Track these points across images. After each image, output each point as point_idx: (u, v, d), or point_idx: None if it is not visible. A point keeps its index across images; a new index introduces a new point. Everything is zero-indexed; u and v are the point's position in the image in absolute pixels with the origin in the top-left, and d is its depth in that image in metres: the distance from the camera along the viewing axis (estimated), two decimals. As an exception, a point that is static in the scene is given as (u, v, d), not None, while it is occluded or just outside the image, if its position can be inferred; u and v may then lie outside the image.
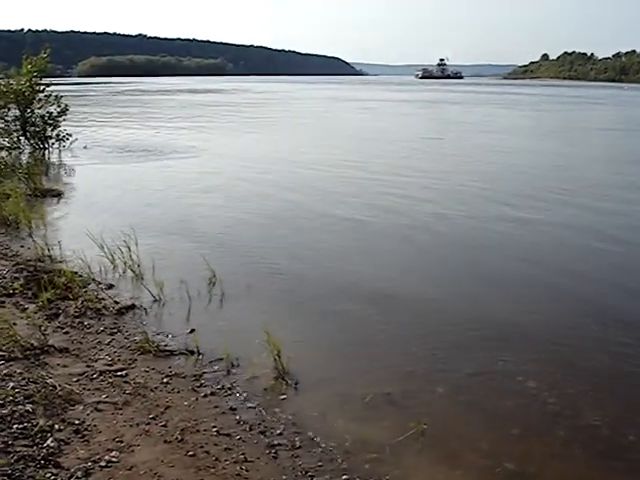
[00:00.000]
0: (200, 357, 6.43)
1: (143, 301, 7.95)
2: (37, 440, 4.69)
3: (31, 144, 23.13)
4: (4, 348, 6.21)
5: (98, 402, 5.41)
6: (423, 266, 9.88)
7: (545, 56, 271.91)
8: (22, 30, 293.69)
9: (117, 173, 18.61)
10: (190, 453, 4.72)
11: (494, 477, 4.68)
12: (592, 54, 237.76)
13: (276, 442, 4.95)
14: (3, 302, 7.60)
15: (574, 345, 6.95)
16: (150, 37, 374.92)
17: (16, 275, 8.49)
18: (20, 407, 5.10)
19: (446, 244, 10.93)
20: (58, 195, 14.76)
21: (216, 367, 6.22)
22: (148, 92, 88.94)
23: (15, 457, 4.43)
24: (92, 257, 9.03)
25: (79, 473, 4.35)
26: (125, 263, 9.04)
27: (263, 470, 4.59)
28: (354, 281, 8.89)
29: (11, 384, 5.49)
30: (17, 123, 22.94)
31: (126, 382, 5.83)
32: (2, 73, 25.40)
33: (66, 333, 6.87)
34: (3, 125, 21.94)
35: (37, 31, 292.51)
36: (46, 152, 22.92)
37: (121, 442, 4.81)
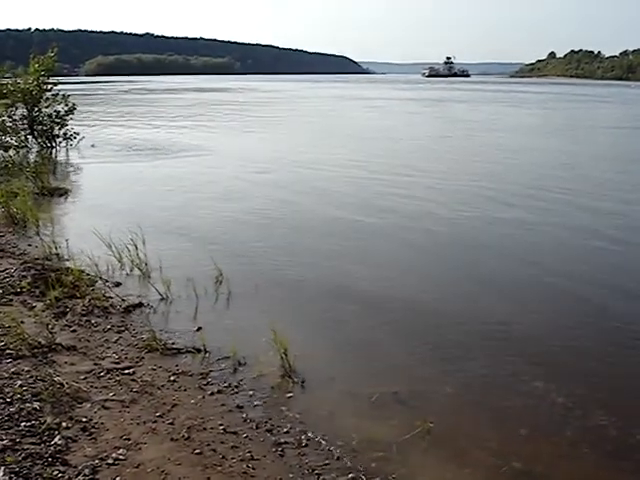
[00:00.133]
0: (207, 355, 6.44)
1: (150, 299, 7.97)
2: (45, 438, 4.71)
3: (39, 143, 23.21)
4: (12, 346, 6.23)
5: (105, 400, 5.42)
6: (428, 267, 9.86)
7: (552, 54, 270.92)
8: (29, 29, 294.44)
9: (125, 172, 18.65)
10: (197, 451, 4.73)
11: (501, 476, 4.67)
12: (599, 52, 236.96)
13: (283, 440, 4.95)
14: (11, 300, 7.63)
15: (581, 345, 6.94)
16: (157, 36, 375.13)
17: (24, 273, 8.52)
18: (28, 405, 5.12)
19: (450, 245, 10.91)
20: (65, 194, 14.80)
21: (223, 365, 6.23)
22: (155, 91, 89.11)
23: (23, 455, 4.45)
24: (99, 255, 9.05)
25: (86, 471, 4.36)
26: (132, 261, 9.06)
27: (270, 468, 4.59)
28: (360, 281, 8.89)
29: (19, 382, 5.51)
30: (25, 122, 23.01)
31: (133, 380, 5.84)
32: (10, 72, 25.47)
33: (73, 331, 6.89)
34: (11, 124, 21.99)
35: (44, 30, 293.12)
36: (53, 151, 22.98)
37: (128, 440, 4.82)
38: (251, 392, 5.71)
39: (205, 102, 61.56)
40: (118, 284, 8.52)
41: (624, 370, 6.44)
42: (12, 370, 5.77)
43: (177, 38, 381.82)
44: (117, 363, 6.18)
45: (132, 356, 6.36)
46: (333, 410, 5.47)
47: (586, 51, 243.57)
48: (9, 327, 6.57)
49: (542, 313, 7.90)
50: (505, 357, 6.57)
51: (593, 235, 11.36)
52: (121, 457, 4.58)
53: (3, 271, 8.65)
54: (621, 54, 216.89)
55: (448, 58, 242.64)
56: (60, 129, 23.45)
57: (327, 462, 4.69)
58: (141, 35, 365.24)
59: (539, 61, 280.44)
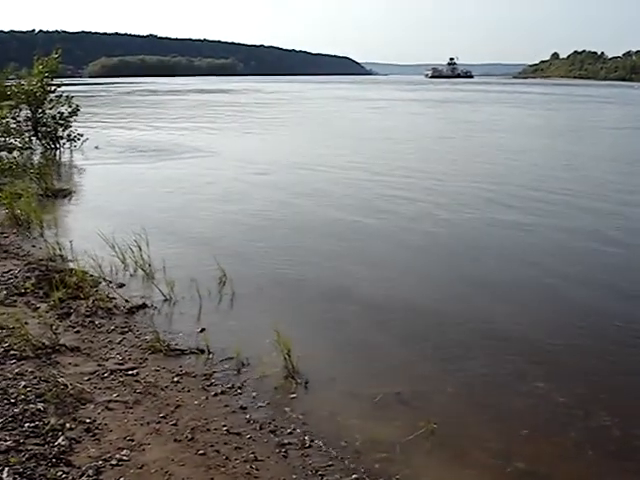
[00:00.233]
0: (210, 356, 6.44)
1: (154, 300, 7.98)
2: (48, 439, 4.72)
3: (42, 144, 23.25)
4: (16, 347, 6.25)
5: (109, 401, 5.43)
6: (428, 268, 9.85)
7: (555, 55, 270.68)
8: (33, 31, 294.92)
9: (128, 173, 18.69)
10: (200, 452, 4.74)
11: (505, 477, 4.68)
12: (602, 53, 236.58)
13: (286, 441, 4.96)
14: (15, 301, 7.65)
15: (582, 345, 6.94)
16: (161, 37, 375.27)
17: (28, 274, 8.53)
18: (32, 406, 5.13)
19: (450, 245, 10.91)
20: (69, 195, 14.84)
21: (226, 366, 6.24)
22: (158, 92, 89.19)
23: (27, 455, 4.46)
24: (103, 256, 9.07)
25: (90, 471, 4.37)
26: (136, 262, 9.07)
27: (273, 469, 4.59)
28: (362, 282, 8.90)
29: (23, 383, 5.53)
30: (29, 123, 23.06)
31: (137, 381, 5.85)
32: (14, 74, 25.53)
33: (77, 332, 6.90)
34: (15, 125, 22.03)
35: (48, 32, 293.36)
36: (57, 152, 23.04)
37: (132, 441, 4.83)
38: (254, 393, 5.72)
39: (208, 103, 61.59)
40: (122, 285, 8.54)
41: (626, 370, 6.44)
42: (16, 371, 5.78)
43: (181, 40, 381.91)
44: (121, 364, 6.19)
45: (136, 357, 6.37)
46: (336, 411, 5.47)
47: (589, 52, 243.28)
48: (13, 328, 6.58)
49: (543, 313, 7.90)
50: (507, 357, 6.58)
51: (594, 236, 11.35)
52: (125, 458, 4.58)
53: (7, 272, 8.67)
54: (624, 55, 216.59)
55: (451, 59, 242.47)
56: (64, 130, 23.49)
57: (330, 463, 4.70)
58: (145, 37, 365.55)
59: (542, 62, 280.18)
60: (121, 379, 5.86)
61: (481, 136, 30.00)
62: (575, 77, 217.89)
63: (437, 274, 9.49)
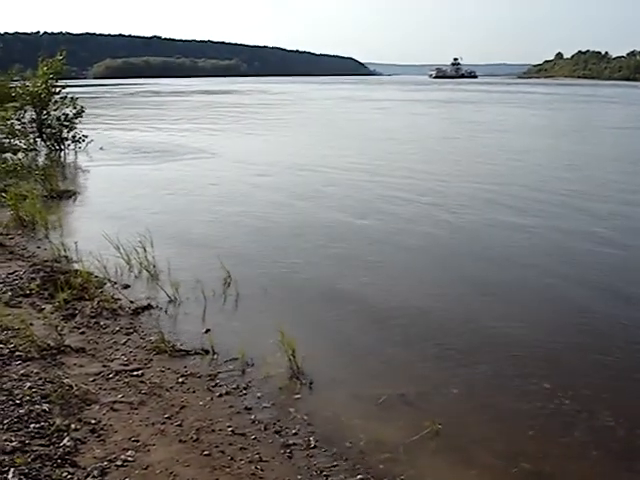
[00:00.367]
0: (215, 357, 6.45)
1: (159, 301, 7.99)
2: (54, 439, 4.73)
3: (47, 146, 23.33)
4: (21, 348, 6.26)
5: (114, 402, 5.44)
6: (432, 269, 9.81)
7: (559, 55, 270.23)
8: (38, 32, 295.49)
9: (132, 174, 18.71)
10: (205, 452, 4.75)
11: (509, 477, 4.67)
12: (606, 53, 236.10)
13: (291, 442, 4.96)
14: (20, 302, 7.67)
15: (587, 346, 6.93)
16: (165, 39, 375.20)
17: (33, 276, 8.55)
18: (37, 407, 5.15)
19: (454, 247, 10.88)
20: (74, 196, 14.88)
21: (231, 367, 6.25)
22: (163, 94, 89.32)
23: (32, 456, 4.47)
24: (108, 258, 9.09)
25: (95, 472, 4.38)
26: (141, 264, 9.09)
27: (278, 470, 4.60)
28: (366, 284, 8.89)
29: (28, 384, 5.54)
30: (33, 125, 23.14)
31: (142, 382, 5.86)
32: (18, 75, 25.60)
33: (82, 333, 6.91)
34: (20, 127, 22.09)
35: (53, 33, 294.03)
36: (62, 153, 23.11)
37: (137, 441, 4.84)
38: (259, 393, 5.73)
39: (212, 104, 61.64)
40: (127, 286, 8.55)
41: (630, 370, 6.42)
42: (21, 372, 5.79)
43: (185, 41, 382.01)
44: (126, 365, 6.20)
45: (141, 358, 6.38)
46: (341, 411, 5.47)
47: (593, 52, 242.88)
48: (18, 329, 6.60)
49: (547, 314, 7.89)
50: (511, 357, 6.57)
51: (596, 237, 11.28)
52: (130, 459, 4.59)
53: (12, 273, 8.69)
54: (628, 54, 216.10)
55: (455, 59, 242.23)
56: (69, 132, 23.57)
57: (335, 463, 4.70)
58: (149, 38, 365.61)
59: (546, 62, 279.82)
60: (126, 380, 5.87)
61: (485, 136, 29.94)
62: (579, 77, 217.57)
63: (440, 275, 9.48)
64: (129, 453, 4.66)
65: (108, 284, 8.53)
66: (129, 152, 23.15)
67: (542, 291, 8.68)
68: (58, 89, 23.38)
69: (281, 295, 8.38)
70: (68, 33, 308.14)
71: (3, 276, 8.56)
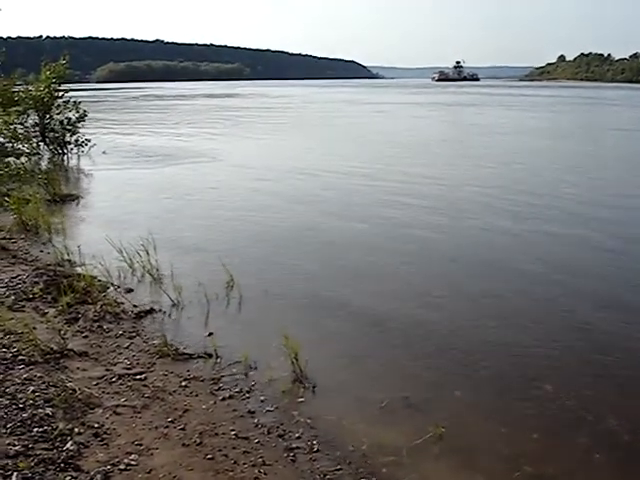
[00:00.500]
0: (218, 360, 6.45)
1: (162, 305, 8.00)
2: (57, 443, 4.73)
3: (50, 150, 23.36)
4: (24, 352, 6.26)
5: (117, 405, 5.44)
6: (436, 274, 9.80)
7: (562, 57, 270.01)
8: (41, 36, 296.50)
9: (135, 178, 18.72)
10: (209, 456, 4.74)
11: (513, 481, 4.67)
12: (609, 55, 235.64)
13: (294, 445, 4.96)
14: (23, 306, 7.67)
15: (590, 348, 6.91)
16: (168, 42, 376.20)
17: (36, 280, 8.56)
18: (40, 411, 5.14)
19: (456, 250, 10.85)
20: (77, 200, 14.91)
21: (234, 370, 6.24)
22: (166, 97, 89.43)
23: (35, 460, 4.46)
24: (111, 261, 9.10)
25: (99, 476, 4.38)
26: (143, 267, 9.09)
27: (281, 473, 4.59)
28: (369, 287, 8.90)
29: (31, 388, 5.54)
30: (36, 129, 23.16)
31: (145, 386, 5.86)
32: (21, 79, 25.63)
33: (85, 337, 6.92)
34: (23, 131, 22.11)
35: (55, 37, 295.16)
36: (65, 157, 23.13)
37: (140, 445, 4.84)
38: (262, 397, 5.72)
39: (214, 108, 61.73)
40: (130, 290, 8.56)
41: (634, 374, 6.40)
42: (25, 376, 5.79)
43: (187, 44, 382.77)
44: (129, 369, 6.20)
45: (144, 362, 6.38)
46: (344, 415, 5.47)
47: (596, 54, 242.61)
48: (22, 333, 6.61)
49: (550, 318, 7.86)
50: (514, 361, 6.57)
51: (600, 241, 11.26)
52: (133, 462, 4.59)
53: (16, 277, 8.70)
54: (631, 56, 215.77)
55: (457, 62, 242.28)
56: (71, 136, 23.59)
57: (338, 467, 4.69)
58: (152, 42, 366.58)
59: (549, 64, 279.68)
60: (129, 384, 5.88)
61: (486, 139, 29.94)
62: (582, 79, 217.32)
63: (442, 280, 9.45)
64: (132, 457, 4.66)
65: (111, 288, 8.54)
66: (132, 156, 23.19)
67: (544, 295, 8.65)
68: (61, 93, 23.42)
69: (284, 299, 8.37)
70: (71, 37, 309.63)
71: (6, 280, 8.57)
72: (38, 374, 5.86)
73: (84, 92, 64.90)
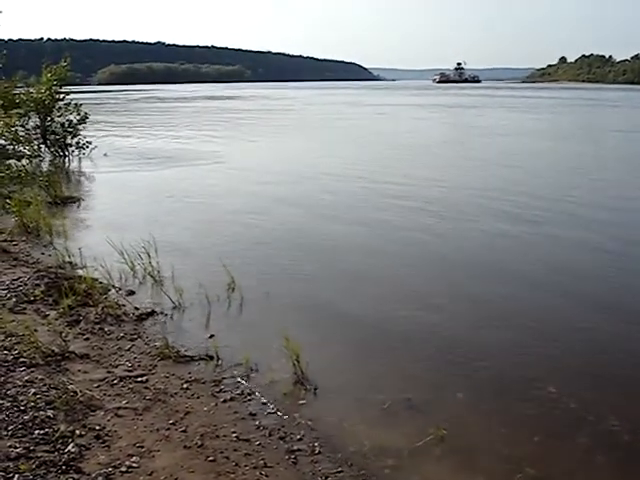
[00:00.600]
0: (219, 362, 6.45)
1: (163, 307, 8.00)
2: (58, 446, 4.73)
3: (51, 152, 23.37)
4: (26, 354, 6.27)
5: (118, 408, 5.44)
6: (436, 277, 9.77)
7: (563, 59, 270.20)
8: (42, 39, 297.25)
9: (136, 180, 18.75)
10: (210, 458, 4.74)
11: (515, 483, 4.66)
12: (610, 56, 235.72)
13: (296, 447, 4.95)
14: (24, 309, 7.68)
15: (592, 350, 6.92)
16: (169, 45, 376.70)
17: (37, 282, 8.56)
18: (41, 413, 5.15)
19: (457, 255, 10.80)
20: (78, 202, 14.92)
21: (235, 372, 6.24)
22: (167, 100, 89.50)
23: (37, 463, 4.47)
24: (112, 264, 9.09)
25: (100, 478, 4.38)
26: (145, 269, 9.09)
27: (283, 475, 4.59)
28: (371, 289, 8.90)
29: (32, 390, 5.54)
30: (37, 131, 23.18)
31: (146, 388, 5.86)
32: (22, 82, 25.65)
33: (87, 339, 6.92)
34: (24, 133, 22.12)
35: (56, 40, 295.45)
36: (66, 160, 23.15)
37: (141, 447, 4.84)
38: (264, 399, 5.72)
39: (215, 110, 61.76)
40: (131, 292, 8.56)
41: (636, 375, 6.40)
42: (26, 378, 5.80)
43: (188, 47, 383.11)
44: (130, 371, 6.20)
45: (145, 364, 6.38)
46: (345, 417, 5.47)
47: (597, 55, 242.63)
48: (23, 335, 6.61)
49: (551, 319, 7.86)
50: (516, 362, 6.57)
51: (603, 241, 11.28)
52: (134, 465, 4.59)
53: (17, 279, 8.71)
54: (633, 58, 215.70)
55: (459, 64, 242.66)
56: (72, 138, 23.60)
57: (340, 469, 4.69)
58: (153, 44, 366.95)
59: (550, 66, 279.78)
60: (130, 386, 5.88)
61: (486, 141, 29.95)
62: (583, 81, 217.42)
63: (442, 282, 9.43)
64: (134, 459, 4.66)
65: (112, 290, 8.54)
66: (133, 158, 23.20)
67: (545, 296, 8.64)
68: (62, 95, 23.43)
69: (285, 301, 8.37)
70: (72, 39, 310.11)
71: (7, 282, 8.58)
72: (39, 376, 5.87)
73: (85, 94, 65.03)
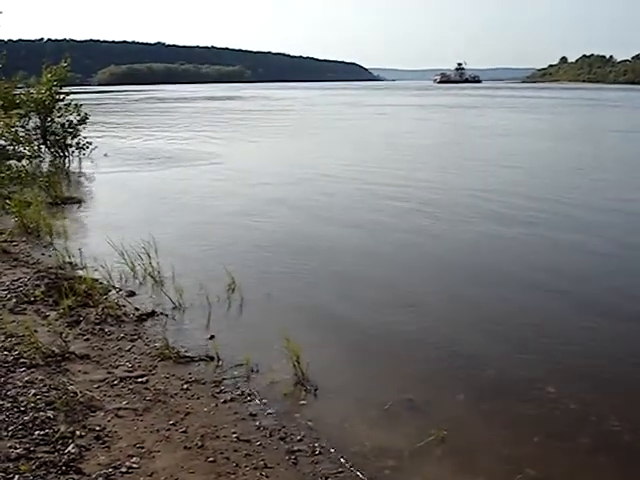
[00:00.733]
0: (220, 363, 6.45)
1: (163, 308, 7.99)
2: (58, 446, 4.72)
3: (51, 152, 23.37)
4: (26, 355, 6.27)
5: (119, 408, 5.44)
6: (436, 277, 9.76)
7: (564, 59, 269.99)
8: (42, 39, 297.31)
9: (136, 181, 18.75)
10: (210, 459, 4.73)
11: (515, 484, 4.66)
12: (611, 56, 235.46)
13: (296, 448, 4.95)
14: (25, 309, 7.68)
15: (593, 351, 6.91)
16: (169, 45, 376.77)
17: (37, 282, 8.56)
18: (42, 414, 5.14)
19: (458, 254, 10.82)
20: (78, 203, 14.91)
21: (236, 373, 6.24)
22: (168, 100, 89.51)
23: (37, 463, 4.46)
24: (112, 264, 9.10)
25: (100, 479, 4.38)
26: (145, 270, 9.09)
27: (283, 476, 4.59)
28: (371, 290, 8.90)
29: (32, 391, 5.54)
30: (38, 132, 23.18)
31: (146, 388, 5.86)
32: (22, 82, 25.65)
33: (87, 340, 6.92)
34: (24, 134, 22.12)
35: (57, 40, 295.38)
36: (66, 160, 23.15)
37: (142, 448, 4.83)
38: (264, 400, 5.71)
39: (216, 111, 61.78)
40: (131, 293, 8.56)
41: (635, 375, 6.40)
42: (26, 379, 5.80)
43: (188, 47, 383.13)
44: (130, 372, 6.20)
45: (145, 364, 6.38)
46: (346, 418, 5.46)
47: (598, 55, 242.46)
48: (23, 336, 6.61)
49: (552, 319, 7.86)
50: (517, 363, 6.56)
51: (602, 243, 11.26)
52: (135, 465, 4.58)
53: (17, 280, 8.70)
54: (633, 58, 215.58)
55: (459, 64, 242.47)
56: (73, 139, 23.60)
57: (340, 470, 4.69)
58: (153, 44, 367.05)
59: (551, 66, 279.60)
60: (131, 386, 5.87)
61: (486, 141, 29.95)
62: (584, 81, 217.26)
63: (443, 282, 9.43)
64: (134, 460, 4.65)
65: (112, 291, 8.54)
66: (133, 159, 23.20)
67: (544, 298, 8.63)
68: (62, 96, 23.42)
69: (285, 301, 8.37)
70: (72, 40, 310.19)
71: (7, 283, 8.58)
72: (39, 377, 5.87)
73: (85, 95, 65.06)
